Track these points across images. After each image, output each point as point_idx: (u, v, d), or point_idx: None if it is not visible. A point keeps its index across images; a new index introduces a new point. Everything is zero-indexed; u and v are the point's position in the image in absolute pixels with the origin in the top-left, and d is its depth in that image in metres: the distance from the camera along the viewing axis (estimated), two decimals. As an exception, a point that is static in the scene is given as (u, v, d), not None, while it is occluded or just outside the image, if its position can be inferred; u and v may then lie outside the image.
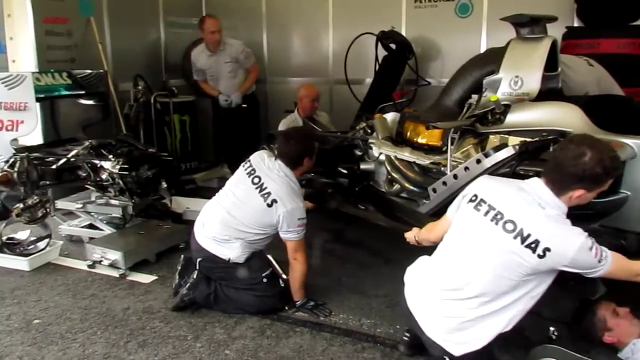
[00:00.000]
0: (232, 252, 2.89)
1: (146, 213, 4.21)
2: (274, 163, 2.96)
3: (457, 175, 2.68)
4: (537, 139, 2.45)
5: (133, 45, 5.71)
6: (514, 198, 2.00)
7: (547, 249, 1.86)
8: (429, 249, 2.57)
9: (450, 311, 2.04)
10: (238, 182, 3.02)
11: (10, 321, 2.89)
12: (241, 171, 3.03)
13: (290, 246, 2.91)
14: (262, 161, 2.99)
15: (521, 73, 2.83)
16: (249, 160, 3.04)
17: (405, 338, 2.60)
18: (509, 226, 1.94)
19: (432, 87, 5.30)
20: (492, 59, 3.01)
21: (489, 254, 1.98)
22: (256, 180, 2.90)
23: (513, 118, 2.71)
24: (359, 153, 3.79)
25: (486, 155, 2.52)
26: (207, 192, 5.28)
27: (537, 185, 1.99)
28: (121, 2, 5.42)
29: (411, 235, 2.63)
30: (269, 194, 2.84)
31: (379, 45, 5.20)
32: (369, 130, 3.73)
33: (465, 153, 2.93)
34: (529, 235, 1.89)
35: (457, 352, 2.03)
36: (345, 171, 3.72)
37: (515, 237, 1.92)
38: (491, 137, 2.80)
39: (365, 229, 4.21)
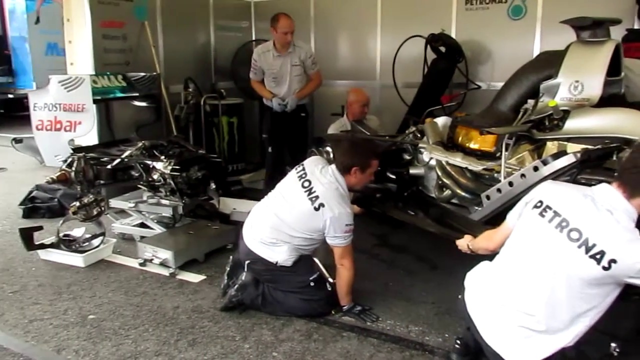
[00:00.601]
0: (280, 255, 2.90)
1: (195, 213, 4.29)
2: (327, 168, 2.96)
3: (513, 182, 2.61)
4: (599, 146, 2.35)
5: (184, 48, 5.84)
6: (580, 205, 1.92)
7: (612, 261, 1.78)
8: (481, 257, 2.53)
9: (513, 321, 1.99)
10: (288, 186, 3.03)
11: (66, 315, 2.99)
12: (293, 175, 3.04)
13: (337, 252, 2.89)
14: (316, 166, 2.99)
15: (582, 78, 2.73)
16: (302, 165, 3.04)
17: (457, 346, 2.54)
18: (574, 235, 1.87)
19: (482, 90, 5.19)
20: (550, 63, 2.92)
21: (553, 264, 1.91)
22: (306, 184, 2.90)
23: (573, 124, 2.62)
24: (407, 157, 3.76)
25: (544, 163, 2.44)
26: (254, 194, 5.41)
27: (606, 191, 1.90)
28: (174, 6, 5.57)
29: (464, 243, 2.57)
30: (316, 197, 2.83)
31: (428, 48, 5.15)
32: (419, 135, 3.69)
33: (520, 160, 2.85)
34: (594, 246, 1.82)
35: None
36: (393, 176, 3.68)
37: (579, 247, 1.85)
38: (548, 143, 2.71)
39: (410, 234, 4.17)
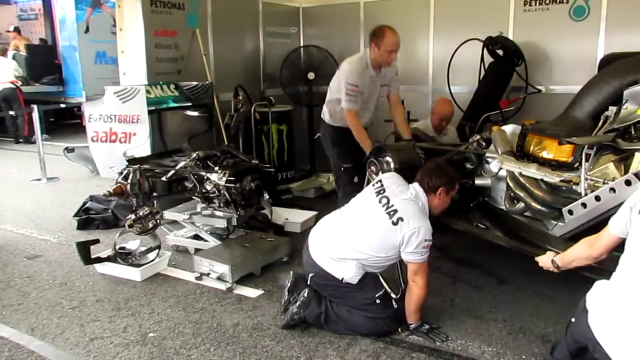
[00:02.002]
0: (347, 272, 2.78)
1: (248, 224, 4.21)
2: (408, 185, 2.85)
3: (600, 197, 2.41)
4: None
5: (234, 56, 5.81)
6: None
7: None
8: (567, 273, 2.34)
9: None
10: (364, 201, 2.92)
11: (126, 333, 2.93)
12: (370, 190, 2.93)
13: (412, 268, 2.76)
14: (395, 183, 2.87)
15: (674, 84, 2.51)
16: (380, 180, 2.92)
17: (546, 376, 2.37)
18: None
19: (542, 95, 4.98)
20: (636, 67, 2.70)
21: None
22: (384, 200, 2.78)
23: (666, 134, 2.40)
24: (469, 166, 3.58)
25: (639, 177, 2.23)
26: (305, 202, 5.32)
27: None
28: (224, 13, 5.54)
29: (547, 260, 2.39)
30: (395, 211, 2.70)
31: (485, 51, 4.95)
32: (483, 143, 3.51)
33: (603, 171, 2.64)
34: None
35: None
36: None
37: None
38: (637, 154, 2.49)
39: (472, 246, 3.99)
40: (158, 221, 3.74)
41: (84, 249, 3.61)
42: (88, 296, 3.39)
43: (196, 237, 4.12)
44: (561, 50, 5.07)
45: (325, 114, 4.26)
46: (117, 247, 3.75)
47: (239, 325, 2.99)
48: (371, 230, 2.77)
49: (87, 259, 3.63)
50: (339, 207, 3.06)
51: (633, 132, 2.56)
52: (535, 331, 2.89)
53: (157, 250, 3.77)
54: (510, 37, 5.10)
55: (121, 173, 3.73)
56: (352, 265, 2.77)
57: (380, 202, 2.78)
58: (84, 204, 4.83)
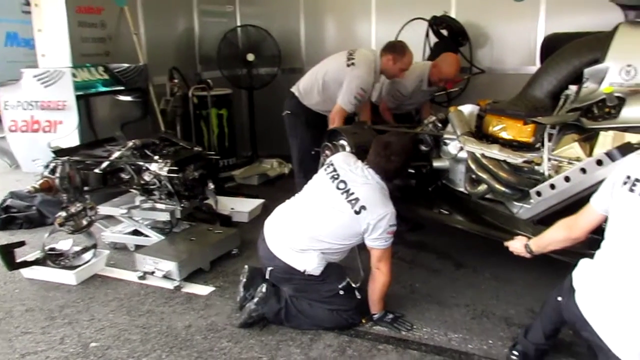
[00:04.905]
0: (309, 263, 2.62)
1: (193, 216, 3.94)
2: (363, 169, 2.67)
3: (570, 177, 2.36)
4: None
5: (167, 36, 5.44)
6: None
7: None
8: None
9: (632, 314, 1.77)
10: (320, 188, 2.73)
11: (64, 345, 2.62)
12: (323, 175, 2.74)
13: (375, 254, 2.64)
14: (348, 165, 2.69)
15: (635, 62, 2.51)
16: (332, 164, 2.74)
17: (514, 357, 2.34)
18: None
19: (486, 75, 4.98)
20: (596, 45, 2.68)
21: None
22: (342, 185, 2.61)
23: (631, 112, 2.39)
24: (424, 149, 3.49)
25: (611, 156, 2.20)
26: (249, 190, 5.09)
27: None
28: (155, -11, 5.12)
29: (519, 245, 2.33)
30: (357, 199, 2.55)
31: (429, 32, 4.89)
32: (439, 125, 3.42)
33: (567, 151, 2.60)
34: None
35: None
36: (412, 170, 3.40)
37: None
38: (602, 133, 2.47)
39: (426, 229, 3.95)
40: (92, 218, 3.38)
41: (6, 252, 3.20)
42: (15, 306, 3.02)
43: (136, 232, 3.80)
44: (503, 31, 5.07)
45: (303, 95, 4.04)
46: (47, 249, 3.38)
47: (192, 327, 2.76)
48: (332, 219, 2.61)
49: (12, 264, 3.22)
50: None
51: (596, 111, 2.53)
52: (497, 314, 2.87)
53: (93, 250, 3.43)
54: (453, 16, 5.05)
55: (47, 166, 3.32)
56: (314, 256, 2.61)
57: (338, 188, 2.62)
58: (4, 201, 4.36)
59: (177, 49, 5.57)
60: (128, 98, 4.35)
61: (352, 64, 3.78)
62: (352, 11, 5.81)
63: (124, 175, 3.66)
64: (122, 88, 4.22)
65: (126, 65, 4.25)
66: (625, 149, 2.19)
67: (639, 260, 1.76)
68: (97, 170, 3.45)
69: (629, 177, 1.84)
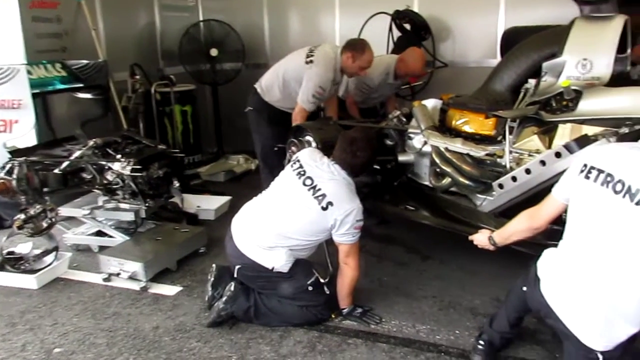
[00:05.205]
0: (278, 260, 2.61)
1: (158, 216, 3.87)
2: (329, 165, 2.67)
3: (531, 169, 2.42)
4: (626, 129, 2.20)
5: (127, 31, 5.31)
6: (625, 156, 1.79)
7: None
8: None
9: (594, 300, 1.82)
10: (287, 184, 2.73)
11: (26, 352, 2.54)
12: (289, 172, 2.73)
13: (343, 249, 2.65)
14: (314, 161, 2.69)
15: (591, 55, 2.58)
16: (298, 160, 2.73)
17: (481, 347, 2.38)
18: (618, 187, 1.73)
19: (449, 68, 5.05)
20: (554, 40, 2.75)
21: (610, 225, 1.76)
22: (308, 182, 2.61)
23: (587, 105, 2.46)
24: (389, 143, 3.51)
25: (569, 148, 2.26)
26: (216, 187, 5.03)
27: None
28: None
29: (483, 238, 2.37)
30: (323, 196, 2.56)
31: (393, 26, 4.92)
32: (404, 119, 3.45)
33: (527, 144, 2.67)
34: (637, 191, 1.68)
35: (600, 347, 1.83)
36: (377, 165, 3.42)
37: (624, 196, 1.71)
38: (560, 126, 2.54)
39: (393, 223, 3.98)
40: (53, 219, 3.28)
41: (-38, 258, 3.10)
42: (-28, 313, 2.92)
43: (100, 233, 3.71)
44: (464, 24, 5.15)
45: (265, 91, 3.99)
46: (5, 252, 3.27)
47: (159, 328, 2.72)
48: (300, 215, 2.61)
49: (-32, 270, 3.12)
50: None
51: (554, 104, 2.59)
52: (464, 304, 2.93)
53: (54, 253, 3.33)
54: (416, 10, 5.09)
55: (3, 167, 3.21)
56: (283, 253, 2.61)
57: (304, 184, 2.62)
58: (-44, 204, 4.18)
59: (138, 45, 5.45)
60: (88, 95, 4.23)
61: (311, 61, 3.73)
62: (316, 5, 5.78)
63: (86, 175, 3.57)
64: (81, 85, 4.10)
65: (85, 61, 4.12)
66: (583, 142, 2.25)
67: (598, 247, 1.81)
68: (56, 171, 3.36)
69: (585, 166, 1.89)
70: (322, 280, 2.74)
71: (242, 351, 2.53)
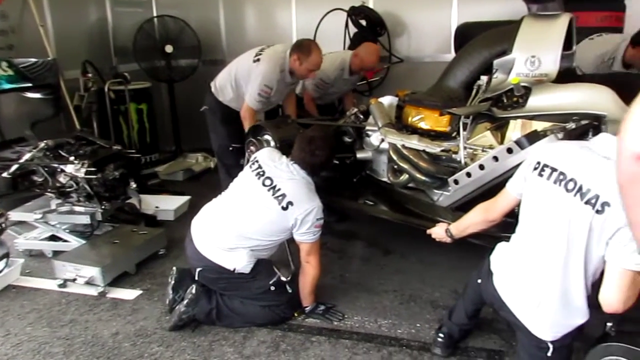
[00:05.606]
0: (239, 261, 2.60)
1: (115, 218, 3.79)
2: (288, 165, 2.67)
3: (484, 165, 2.49)
4: (573, 125, 2.29)
5: (77, 27, 5.13)
6: (576, 155, 1.86)
7: (605, 204, 1.68)
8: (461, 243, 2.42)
9: (543, 293, 1.89)
10: (246, 185, 2.71)
11: (-23, 365, 2.47)
12: (248, 172, 2.72)
13: (304, 248, 2.67)
14: (273, 161, 2.69)
15: (538, 53, 2.66)
16: (257, 161, 2.72)
17: (440, 339, 2.44)
18: (570, 185, 1.79)
19: (405, 64, 5.12)
20: (503, 37, 2.82)
21: (560, 221, 1.81)
22: (267, 182, 2.61)
23: (536, 101, 2.54)
24: (348, 140, 3.54)
25: (520, 144, 2.33)
26: (174, 187, 4.95)
27: (605, 140, 1.83)
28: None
29: (440, 231, 2.43)
30: (283, 195, 2.56)
31: (349, 21, 4.94)
32: (361, 116, 3.48)
33: (481, 139, 2.74)
34: (588, 191, 1.74)
35: (549, 337, 1.92)
36: (336, 162, 3.44)
37: (575, 195, 1.77)
38: (511, 122, 2.62)
39: (355, 219, 4.02)
40: (3, 225, 3.17)
41: None
42: None
43: (54, 238, 3.60)
44: (418, 20, 5.23)
45: (219, 91, 3.94)
46: (-49, 261, 3.14)
47: (119, 334, 2.67)
48: (260, 216, 2.61)
49: None
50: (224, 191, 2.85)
51: (505, 101, 2.67)
52: (424, 297, 2.99)
53: (5, 259, 3.20)
54: (371, 7, 5.13)
55: (-52, 172, 3.09)
56: (244, 254, 2.60)
57: (264, 184, 2.62)
58: None
59: (89, 41, 5.28)
60: (37, 95, 4.07)
61: (258, 60, 3.69)
62: (273, 1, 5.75)
63: (37, 178, 3.48)
64: (30, 85, 3.94)
65: (33, 59, 3.96)
66: (533, 137, 2.33)
67: (549, 242, 1.87)
68: (5, 175, 3.25)
69: (538, 163, 1.95)
70: (284, 280, 2.75)
71: (205, 354, 2.51)
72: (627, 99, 2.18)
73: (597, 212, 1.69)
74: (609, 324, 2.03)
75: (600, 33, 3.70)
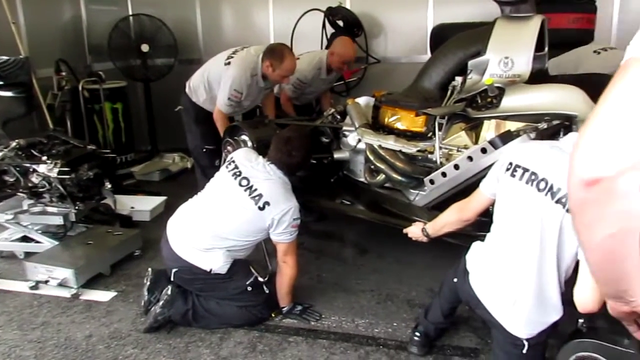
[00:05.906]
0: (215, 262, 2.58)
1: (89, 218, 3.73)
2: (265, 165, 2.67)
3: (459, 165, 2.52)
4: (545, 125, 2.33)
5: (51, 25, 5.05)
6: (547, 155, 1.90)
7: None
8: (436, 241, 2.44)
9: (518, 291, 1.92)
10: (222, 185, 2.70)
11: (-55, 370, 2.41)
12: (224, 173, 2.70)
13: (281, 248, 2.66)
14: (249, 161, 2.68)
15: (511, 54, 2.70)
16: (233, 161, 2.70)
17: (417, 338, 2.46)
18: (542, 185, 1.83)
19: (381, 64, 5.15)
20: (478, 39, 2.85)
21: (533, 221, 1.85)
22: (244, 182, 2.59)
23: (510, 102, 2.57)
24: (325, 140, 3.55)
25: (493, 144, 2.37)
26: (150, 187, 4.90)
27: (574, 139, 1.86)
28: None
29: (417, 230, 2.45)
30: (260, 195, 2.55)
31: (326, 22, 4.95)
32: (338, 117, 3.49)
33: (456, 140, 2.77)
34: (558, 190, 1.78)
35: (525, 335, 1.94)
36: (313, 162, 3.45)
37: (546, 194, 1.81)
38: (485, 122, 2.66)
39: (332, 219, 4.03)
40: (-26, 226, 3.11)
41: None
42: None
43: (25, 239, 3.53)
44: (394, 21, 5.26)
45: (193, 91, 3.90)
46: None
47: (93, 337, 2.64)
48: (236, 216, 2.60)
49: None
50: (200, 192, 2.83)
51: (480, 101, 2.70)
52: (401, 297, 3.01)
53: (-25, 262, 3.15)
54: (348, 7, 5.15)
55: None
56: (220, 255, 2.59)
57: (240, 184, 2.61)
58: None
59: (63, 39, 5.20)
60: (8, 93, 3.99)
61: (229, 63, 3.65)
62: (250, 0, 5.73)
63: (8, 178, 3.42)
64: (1, 83, 3.86)
65: (5, 57, 3.88)
66: (506, 137, 2.37)
67: (522, 241, 1.90)
68: (-25, 175, 3.17)
69: (511, 164, 1.98)
70: (261, 280, 2.74)
71: (181, 355, 2.49)
72: (598, 99, 2.24)
73: (568, 211, 1.72)
74: (580, 321, 2.07)
75: (604, 47, 3.70)
